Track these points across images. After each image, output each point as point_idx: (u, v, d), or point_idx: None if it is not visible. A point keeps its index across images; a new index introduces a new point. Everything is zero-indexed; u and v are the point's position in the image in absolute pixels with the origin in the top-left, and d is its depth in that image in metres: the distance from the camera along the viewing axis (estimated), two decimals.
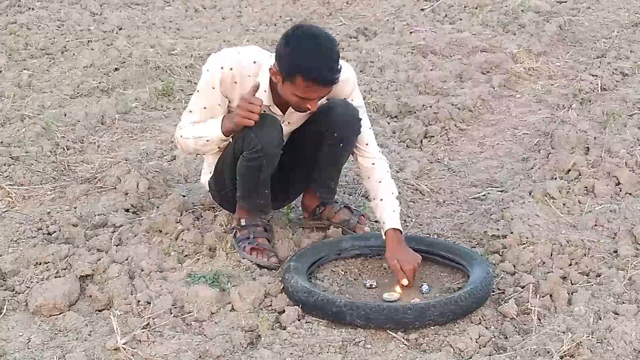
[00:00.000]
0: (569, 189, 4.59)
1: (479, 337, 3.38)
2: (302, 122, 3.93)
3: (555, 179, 4.69)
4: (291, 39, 3.54)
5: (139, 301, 3.60)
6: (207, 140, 3.79)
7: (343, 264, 3.98)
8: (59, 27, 7.60)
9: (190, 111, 3.85)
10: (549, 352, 3.20)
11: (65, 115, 5.65)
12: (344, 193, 4.61)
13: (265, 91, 3.71)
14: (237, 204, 4.01)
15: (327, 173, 4.08)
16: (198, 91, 3.81)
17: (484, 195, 4.75)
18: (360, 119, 3.89)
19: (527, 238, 4.05)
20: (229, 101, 3.78)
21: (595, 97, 6.09)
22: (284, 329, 3.42)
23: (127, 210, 4.41)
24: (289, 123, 3.89)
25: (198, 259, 3.93)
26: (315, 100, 3.61)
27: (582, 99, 6.10)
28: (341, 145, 3.90)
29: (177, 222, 4.18)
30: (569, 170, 4.76)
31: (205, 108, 3.80)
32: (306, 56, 3.48)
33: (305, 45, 3.51)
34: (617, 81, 6.48)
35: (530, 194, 4.54)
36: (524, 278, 3.77)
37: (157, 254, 3.95)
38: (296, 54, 3.49)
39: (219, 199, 4.15)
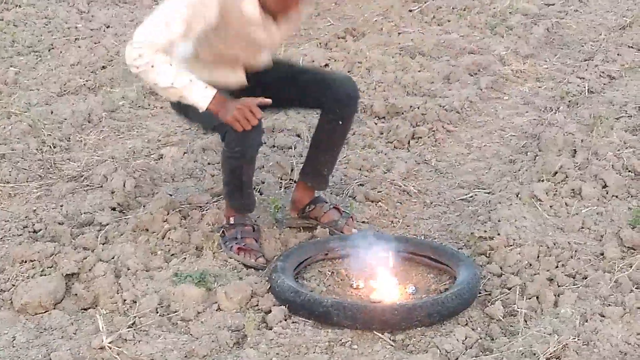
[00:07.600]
0: (556, 191, 4.59)
1: (466, 338, 3.38)
2: (292, 33, 3.98)
3: (542, 181, 4.70)
4: None
5: (124, 300, 3.60)
6: (181, 97, 3.49)
7: (330, 265, 3.97)
8: (46, 25, 7.54)
9: (167, 23, 3.37)
10: (535, 354, 3.20)
11: (51, 113, 5.62)
12: (331, 193, 4.60)
13: (255, 7, 3.59)
14: (225, 202, 4.00)
15: (321, 158, 4.11)
16: None
17: (471, 196, 4.75)
18: (359, 98, 4.07)
19: (514, 240, 4.06)
20: (221, 25, 3.51)
21: (583, 99, 6.10)
22: (271, 329, 3.41)
23: (114, 209, 4.39)
24: (281, 36, 3.86)
25: (185, 258, 3.92)
26: None
27: (569, 101, 6.11)
28: (340, 123, 3.96)
29: (164, 221, 4.17)
30: (556, 173, 4.76)
31: (185, 20, 3.36)
32: None
33: None
34: (604, 84, 6.49)
35: (517, 195, 4.55)
36: (511, 280, 3.78)
37: (144, 252, 3.94)
38: None
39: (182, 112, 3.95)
